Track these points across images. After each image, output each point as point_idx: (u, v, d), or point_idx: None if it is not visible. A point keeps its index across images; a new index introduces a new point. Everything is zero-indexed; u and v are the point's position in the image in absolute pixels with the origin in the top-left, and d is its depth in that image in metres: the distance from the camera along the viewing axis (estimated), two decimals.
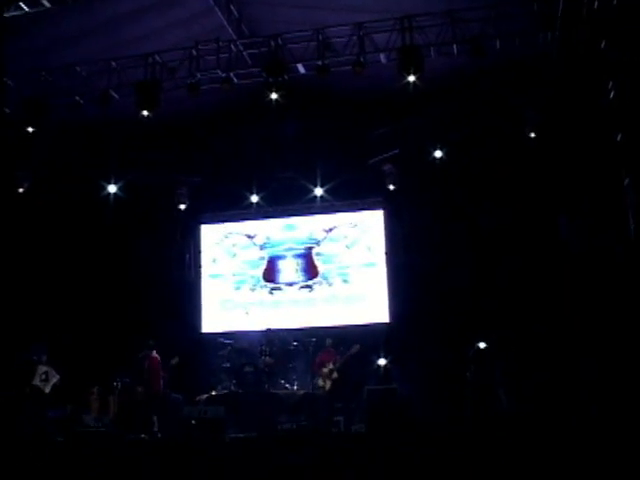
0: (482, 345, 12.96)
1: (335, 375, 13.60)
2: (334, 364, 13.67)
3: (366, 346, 14.14)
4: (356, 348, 13.63)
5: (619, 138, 10.53)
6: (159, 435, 12.46)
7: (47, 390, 13.04)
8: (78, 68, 13.15)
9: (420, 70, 11.97)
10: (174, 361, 13.72)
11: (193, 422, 11.32)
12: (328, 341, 14.11)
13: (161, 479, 9.75)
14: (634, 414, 9.78)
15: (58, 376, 13.20)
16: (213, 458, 9.92)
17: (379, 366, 13.97)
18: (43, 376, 13.02)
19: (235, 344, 14.78)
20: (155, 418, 13.00)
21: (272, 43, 12.80)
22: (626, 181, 10.66)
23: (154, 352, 13.70)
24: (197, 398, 13.78)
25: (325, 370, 13.70)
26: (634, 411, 9.88)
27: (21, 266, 14.72)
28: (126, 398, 13.57)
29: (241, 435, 11.50)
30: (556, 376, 12.73)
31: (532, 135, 13.56)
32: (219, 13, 13.08)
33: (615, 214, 11.23)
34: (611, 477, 8.06)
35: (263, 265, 16.53)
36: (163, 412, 13.05)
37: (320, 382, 13.72)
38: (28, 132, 13.31)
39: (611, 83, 10.63)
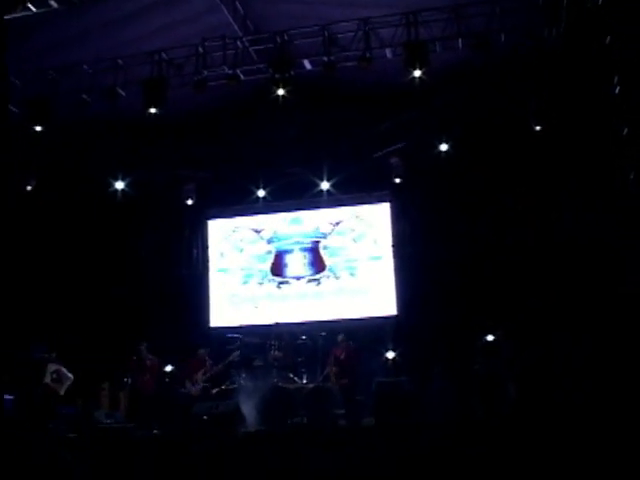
0: (490, 337, 13.05)
1: (335, 369, 13.71)
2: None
3: (375, 339, 14.32)
4: (340, 337, 13.90)
5: (625, 132, 10.60)
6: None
7: (62, 392, 12.86)
8: (85, 66, 13.21)
9: (425, 65, 12.04)
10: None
11: (205, 418, 11.42)
12: (339, 337, 14.16)
13: (172, 475, 9.88)
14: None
15: (72, 377, 12.99)
16: (225, 453, 10.03)
17: (387, 359, 14.07)
18: (54, 375, 12.79)
19: (244, 338, 14.80)
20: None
21: (278, 39, 12.85)
22: (631, 175, 10.74)
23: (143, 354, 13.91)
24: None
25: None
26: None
27: (29, 264, 14.80)
28: (136, 394, 13.69)
29: (252, 430, 11.60)
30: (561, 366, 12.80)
31: (537, 128, 13.62)
32: (225, 10, 13.06)
33: (619, 207, 11.34)
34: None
35: (270, 259, 16.56)
36: (173, 409, 13.15)
37: (332, 376, 13.85)
38: (35, 131, 13.39)
39: (616, 78, 10.68)
